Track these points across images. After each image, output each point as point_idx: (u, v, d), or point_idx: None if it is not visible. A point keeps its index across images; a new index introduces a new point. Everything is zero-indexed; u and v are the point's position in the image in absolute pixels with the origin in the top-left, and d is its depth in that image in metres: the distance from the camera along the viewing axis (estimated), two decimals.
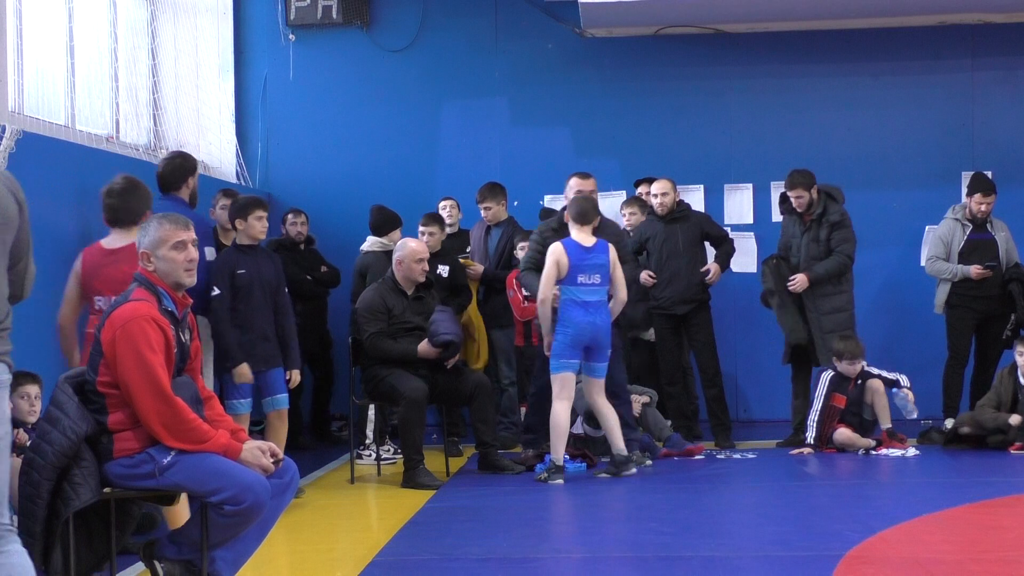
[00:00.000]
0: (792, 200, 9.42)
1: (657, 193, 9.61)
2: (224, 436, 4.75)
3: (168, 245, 4.81)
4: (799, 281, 9.27)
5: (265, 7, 11.50)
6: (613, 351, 8.29)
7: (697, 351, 9.66)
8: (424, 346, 8.22)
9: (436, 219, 9.39)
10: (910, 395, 9.11)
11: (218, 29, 11.21)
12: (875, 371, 9.17)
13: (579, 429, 8.77)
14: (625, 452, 8.15)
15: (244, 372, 7.37)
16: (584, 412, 8.59)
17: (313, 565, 5.95)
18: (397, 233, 9.35)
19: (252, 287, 7.46)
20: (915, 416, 9.20)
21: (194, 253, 4.87)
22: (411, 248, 8.49)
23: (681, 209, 9.66)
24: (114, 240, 6.28)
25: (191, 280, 4.87)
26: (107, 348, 4.66)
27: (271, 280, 7.59)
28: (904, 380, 9.17)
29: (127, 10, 9.53)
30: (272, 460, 4.77)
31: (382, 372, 8.27)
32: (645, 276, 9.47)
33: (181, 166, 7.19)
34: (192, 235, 4.89)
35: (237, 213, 7.60)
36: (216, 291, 7.33)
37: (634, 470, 8.15)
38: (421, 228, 9.23)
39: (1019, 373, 9.00)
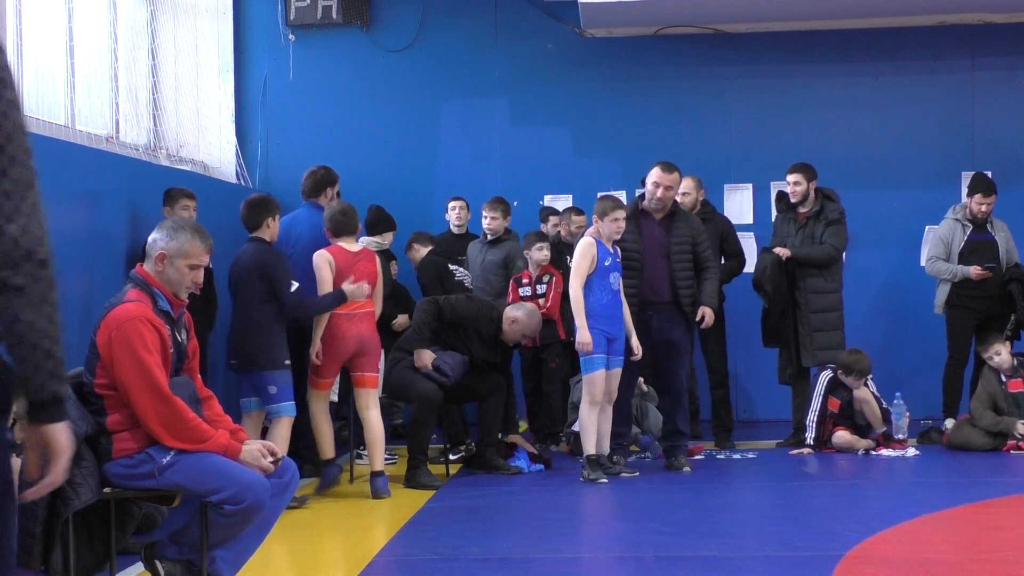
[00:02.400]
0: (789, 186, 9.41)
1: (680, 192, 9.56)
2: (223, 436, 4.75)
3: (188, 261, 4.83)
4: (781, 250, 9.26)
5: (265, 7, 11.50)
6: (677, 349, 8.39)
7: (708, 352, 9.67)
8: (426, 358, 8.20)
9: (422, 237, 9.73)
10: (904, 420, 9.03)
11: (218, 29, 11.21)
12: (870, 387, 9.09)
13: (579, 428, 8.76)
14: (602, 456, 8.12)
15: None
16: None
17: (313, 565, 5.95)
18: (390, 236, 9.35)
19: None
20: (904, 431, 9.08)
21: (201, 278, 4.91)
22: (532, 325, 8.45)
23: (706, 210, 9.63)
24: (349, 245, 7.76)
25: (185, 298, 4.91)
26: (103, 350, 4.65)
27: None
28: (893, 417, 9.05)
29: (127, 10, 9.53)
30: (271, 460, 4.77)
31: (407, 357, 8.28)
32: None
33: (324, 177, 8.43)
34: (207, 261, 4.93)
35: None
36: (296, 284, 7.53)
37: (603, 480, 7.95)
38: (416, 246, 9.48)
39: (1000, 375, 9.04)
